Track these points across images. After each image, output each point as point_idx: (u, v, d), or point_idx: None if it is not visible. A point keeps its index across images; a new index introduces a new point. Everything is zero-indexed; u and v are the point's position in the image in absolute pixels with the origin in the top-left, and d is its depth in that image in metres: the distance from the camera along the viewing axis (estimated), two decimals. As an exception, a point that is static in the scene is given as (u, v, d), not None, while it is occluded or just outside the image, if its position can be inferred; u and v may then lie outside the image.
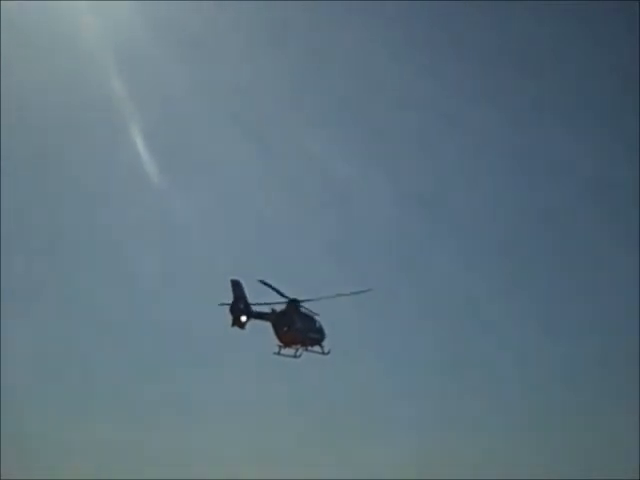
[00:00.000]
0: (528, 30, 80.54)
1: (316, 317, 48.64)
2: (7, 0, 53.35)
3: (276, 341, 47.86)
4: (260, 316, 46.81)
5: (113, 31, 59.72)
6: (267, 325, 47.57)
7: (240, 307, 45.51)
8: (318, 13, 70.41)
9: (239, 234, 76.08)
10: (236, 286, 45.91)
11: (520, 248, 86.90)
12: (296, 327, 47.46)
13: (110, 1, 56.89)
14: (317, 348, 48.86)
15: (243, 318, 45.71)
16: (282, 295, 46.82)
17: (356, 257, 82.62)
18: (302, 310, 48.14)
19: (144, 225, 75.11)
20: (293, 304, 47.59)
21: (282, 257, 72.25)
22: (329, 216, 79.26)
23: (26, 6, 56.16)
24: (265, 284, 45.55)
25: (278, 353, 48.03)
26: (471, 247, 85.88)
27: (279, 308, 47.76)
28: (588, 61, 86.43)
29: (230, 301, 46.15)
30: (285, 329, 47.30)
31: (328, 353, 48.89)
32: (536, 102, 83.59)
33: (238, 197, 77.61)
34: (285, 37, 70.51)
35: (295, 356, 48.39)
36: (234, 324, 45.94)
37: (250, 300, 46.50)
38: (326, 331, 49.22)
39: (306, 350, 48.30)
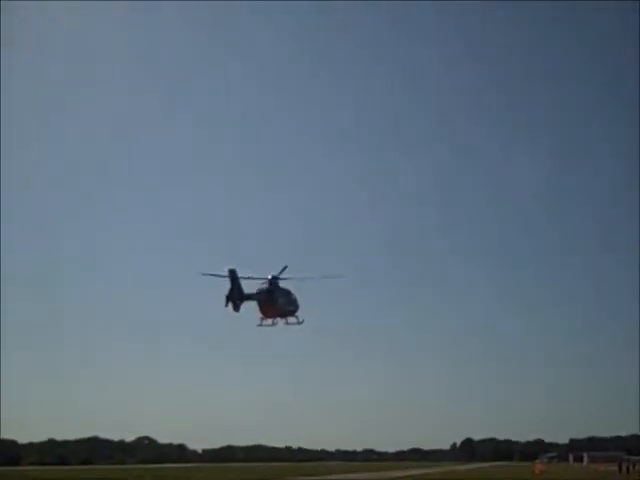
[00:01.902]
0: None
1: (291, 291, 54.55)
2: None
3: (259, 314, 53.77)
4: (249, 297, 52.24)
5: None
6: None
7: (236, 295, 50.71)
8: None
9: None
10: (233, 275, 50.77)
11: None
12: (278, 303, 53.37)
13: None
14: (293, 319, 55.04)
15: (238, 303, 51.11)
16: (275, 276, 52.38)
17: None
18: (280, 286, 53.90)
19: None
20: (275, 282, 53.16)
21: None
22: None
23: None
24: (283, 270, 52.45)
25: (260, 325, 54.17)
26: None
27: (259, 283, 53.49)
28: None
29: (217, 275, 51.61)
30: (269, 305, 53.10)
31: (302, 322, 55.15)
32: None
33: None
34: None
35: (272, 324, 54.66)
36: (227, 306, 51.28)
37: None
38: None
39: (286, 323, 54.45)
